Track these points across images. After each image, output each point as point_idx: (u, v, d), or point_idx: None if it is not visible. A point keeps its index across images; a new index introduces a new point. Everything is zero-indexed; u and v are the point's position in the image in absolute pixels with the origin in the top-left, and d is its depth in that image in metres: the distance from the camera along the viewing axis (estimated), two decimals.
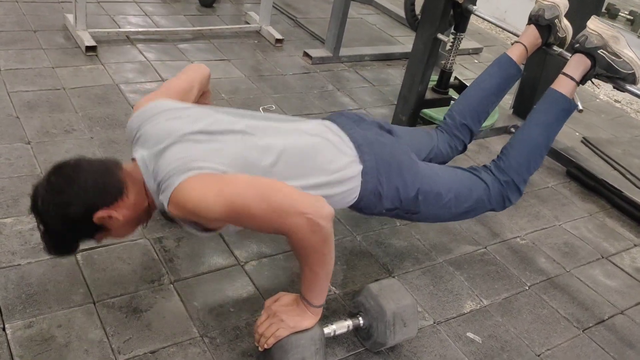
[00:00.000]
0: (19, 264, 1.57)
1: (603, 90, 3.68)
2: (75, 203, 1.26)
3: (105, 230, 1.34)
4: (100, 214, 1.28)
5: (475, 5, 2.31)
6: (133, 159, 1.39)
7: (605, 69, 1.74)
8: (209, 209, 1.21)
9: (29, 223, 1.70)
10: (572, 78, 1.76)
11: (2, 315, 1.42)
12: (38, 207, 1.29)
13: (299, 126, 1.53)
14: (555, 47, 1.99)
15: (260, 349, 1.36)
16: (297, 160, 1.42)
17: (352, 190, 1.51)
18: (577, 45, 1.77)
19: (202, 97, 1.68)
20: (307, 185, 1.41)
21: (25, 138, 2.07)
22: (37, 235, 1.64)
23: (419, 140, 1.84)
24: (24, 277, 1.53)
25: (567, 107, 1.78)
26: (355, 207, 1.57)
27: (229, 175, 1.27)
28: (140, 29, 3.08)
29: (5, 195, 1.79)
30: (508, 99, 2.96)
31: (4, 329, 1.38)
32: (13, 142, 2.04)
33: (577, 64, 1.77)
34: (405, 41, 3.71)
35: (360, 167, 1.51)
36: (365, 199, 1.54)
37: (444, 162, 1.91)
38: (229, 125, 1.40)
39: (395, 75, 3.27)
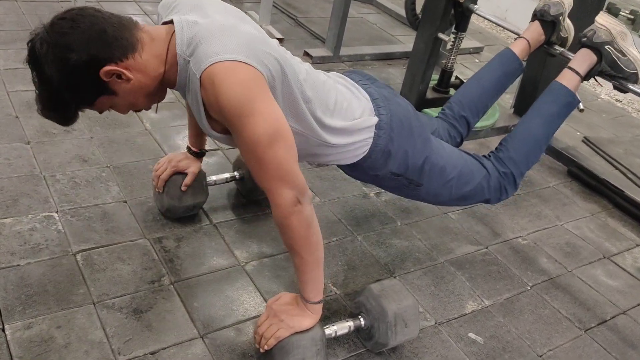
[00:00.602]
0: (19, 265, 1.56)
1: (604, 90, 3.67)
2: (77, 49, 1.13)
3: (110, 95, 1.23)
4: (108, 68, 1.16)
5: (476, 4, 2.30)
6: (164, 23, 1.29)
7: (610, 66, 1.73)
8: (229, 107, 1.15)
9: (28, 223, 1.69)
10: (577, 72, 1.76)
11: (1, 316, 1.41)
12: (35, 52, 1.15)
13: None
14: (556, 47, 1.99)
15: (261, 350, 1.36)
16: (320, 89, 1.40)
17: (364, 142, 1.49)
18: (585, 39, 1.76)
19: None
20: (330, 126, 1.41)
21: (25, 138, 2.06)
22: (37, 235, 1.65)
23: (423, 118, 1.82)
24: (24, 278, 1.52)
25: (571, 101, 1.77)
26: (361, 164, 1.54)
27: (271, 100, 1.21)
28: None
29: (5, 195, 1.78)
30: (509, 98, 2.95)
31: (3, 330, 1.38)
32: (12, 141, 2.03)
33: (583, 59, 1.77)
34: (405, 40, 3.70)
35: (375, 119, 1.49)
36: (374, 155, 1.52)
37: None
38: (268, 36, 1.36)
39: (396, 74, 3.27)
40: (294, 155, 1.25)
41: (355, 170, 1.58)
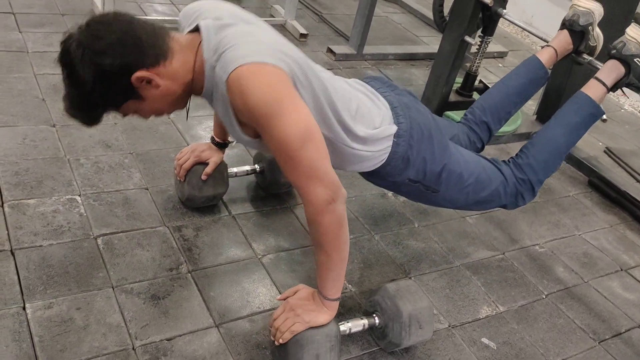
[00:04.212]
0: (41, 245, 1.58)
1: (628, 101, 3.63)
2: (111, 54, 1.15)
3: (137, 100, 1.25)
4: (140, 74, 1.19)
5: (505, 9, 2.29)
6: (190, 31, 1.31)
7: (638, 79, 1.72)
8: (257, 108, 1.15)
9: (52, 205, 1.72)
10: (603, 83, 1.74)
11: (22, 295, 1.43)
12: (70, 52, 1.16)
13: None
14: (584, 56, 1.97)
15: (276, 343, 1.37)
16: (342, 95, 1.41)
17: (384, 150, 1.49)
18: (614, 51, 1.74)
19: None
20: (354, 132, 1.41)
21: (51, 121, 2.09)
22: (60, 217, 1.68)
23: (442, 124, 1.82)
24: (45, 259, 1.55)
25: (595, 112, 1.76)
26: (380, 171, 1.55)
27: (299, 99, 1.22)
28: (166, 17, 3.09)
29: (30, 176, 1.81)
30: (532, 105, 2.93)
31: (24, 309, 1.40)
32: (38, 124, 2.06)
33: (610, 70, 1.75)
34: (429, 42, 3.68)
35: (395, 128, 1.50)
36: (393, 162, 1.52)
37: None
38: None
39: (419, 75, 3.26)
40: (324, 154, 1.25)
41: (373, 176, 1.59)
